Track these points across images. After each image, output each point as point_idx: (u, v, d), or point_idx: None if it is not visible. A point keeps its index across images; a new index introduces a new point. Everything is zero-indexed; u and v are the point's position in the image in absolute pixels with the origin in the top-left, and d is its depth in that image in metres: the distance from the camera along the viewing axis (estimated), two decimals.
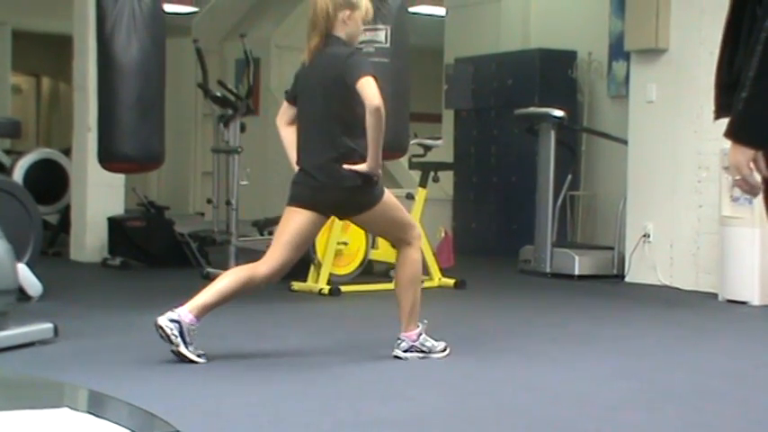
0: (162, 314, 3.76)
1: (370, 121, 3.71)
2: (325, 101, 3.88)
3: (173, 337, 3.72)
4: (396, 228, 3.96)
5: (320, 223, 3.95)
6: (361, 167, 3.79)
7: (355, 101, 3.77)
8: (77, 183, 7.67)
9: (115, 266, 7.18)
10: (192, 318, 3.75)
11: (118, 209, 7.59)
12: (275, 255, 3.86)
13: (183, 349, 3.73)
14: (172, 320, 3.73)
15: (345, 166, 3.81)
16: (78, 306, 5.36)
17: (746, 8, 2.02)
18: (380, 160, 3.81)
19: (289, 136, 4.04)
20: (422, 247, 4.03)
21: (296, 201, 3.92)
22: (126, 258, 7.20)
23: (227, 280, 3.86)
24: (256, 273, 3.86)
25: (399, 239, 3.97)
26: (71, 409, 1.56)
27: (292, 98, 4.05)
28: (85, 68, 7.25)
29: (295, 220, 3.88)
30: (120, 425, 1.45)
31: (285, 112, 4.07)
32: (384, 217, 3.92)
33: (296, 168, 3.99)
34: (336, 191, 3.85)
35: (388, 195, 3.95)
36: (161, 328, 3.73)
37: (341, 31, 3.92)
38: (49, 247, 8.02)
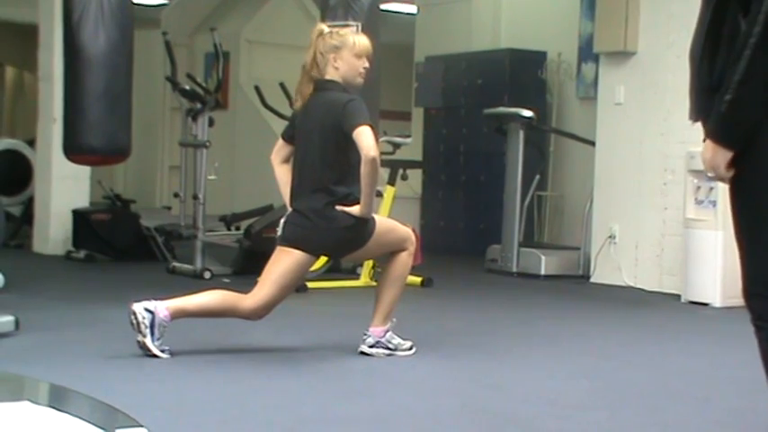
0: (138, 301, 3.74)
1: (365, 170, 3.73)
2: (322, 147, 3.89)
3: (142, 327, 3.70)
4: (392, 246, 3.99)
5: (309, 264, 3.95)
6: (354, 210, 3.83)
7: (351, 148, 3.79)
8: (42, 174, 7.59)
9: (79, 259, 7.11)
10: (166, 314, 3.73)
11: (83, 201, 7.52)
12: (261, 292, 3.87)
13: (148, 342, 3.71)
14: (147, 310, 3.71)
15: (338, 207, 3.84)
16: (40, 299, 5.31)
17: (728, 14, 2.06)
18: (373, 206, 3.86)
19: (283, 175, 4.05)
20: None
21: (287, 241, 3.91)
22: (90, 251, 7.14)
23: (211, 297, 3.86)
24: (241, 304, 3.86)
25: (397, 251, 4.01)
26: (32, 402, 1.54)
27: (288, 137, 4.06)
28: (51, 58, 7.17)
29: (284, 260, 3.88)
30: (81, 419, 1.43)
31: (280, 150, 4.08)
32: (379, 245, 3.96)
33: (289, 208, 3.99)
34: (330, 231, 3.86)
35: (380, 222, 3.96)
36: (134, 314, 3.71)
37: (334, 75, 3.93)
38: (12, 238, 7.92)
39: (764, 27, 1.96)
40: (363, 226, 3.87)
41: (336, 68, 3.93)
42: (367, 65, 4.00)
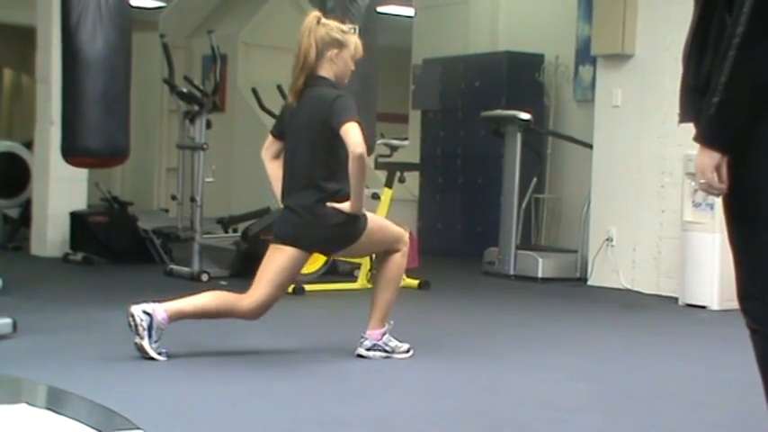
0: (137, 303, 3.74)
1: (352, 167, 3.71)
2: (311, 144, 3.88)
3: (140, 329, 3.70)
4: (384, 245, 3.99)
5: (303, 260, 3.93)
6: (344, 207, 3.82)
7: (340, 144, 3.77)
8: (39, 176, 7.58)
9: (77, 262, 7.11)
10: (164, 317, 3.74)
11: (80, 204, 7.52)
12: (258, 292, 3.86)
13: (146, 344, 3.71)
14: (145, 312, 3.71)
15: (329, 204, 3.83)
16: (38, 301, 5.31)
17: (715, 14, 2.05)
18: (363, 203, 3.84)
19: (274, 170, 4.04)
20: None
21: (279, 238, 3.91)
22: (88, 254, 7.14)
23: (209, 299, 3.86)
24: (238, 304, 3.86)
25: (389, 250, 4.00)
26: (29, 405, 1.54)
27: (278, 133, 4.05)
28: (49, 61, 7.17)
29: (278, 258, 3.87)
30: (79, 421, 1.44)
31: (270, 146, 4.07)
32: (371, 242, 3.95)
33: (281, 205, 3.99)
34: (321, 228, 3.86)
35: (372, 219, 3.96)
36: (132, 316, 3.71)
37: (328, 71, 3.91)
38: (9, 241, 7.93)
39: (747, 27, 1.95)
40: (354, 223, 3.87)
41: (333, 65, 3.91)
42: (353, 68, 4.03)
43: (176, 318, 3.78)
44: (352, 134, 3.71)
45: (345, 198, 3.83)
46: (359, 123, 3.76)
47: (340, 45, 3.91)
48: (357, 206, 3.82)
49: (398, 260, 3.99)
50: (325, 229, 3.86)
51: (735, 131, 2.02)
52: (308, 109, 3.89)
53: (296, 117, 3.94)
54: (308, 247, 3.92)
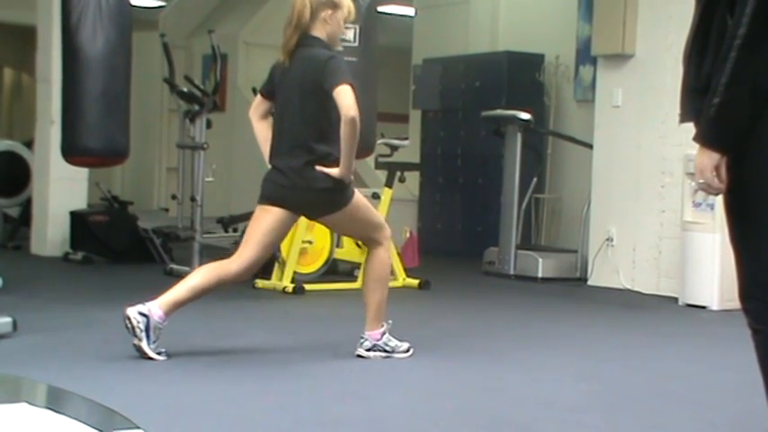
0: (132, 305, 3.74)
1: (344, 130, 3.69)
2: (302, 104, 3.86)
3: (137, 331, 3.70)
4: (366, 229, 3.96)
5: (290, 222, 3.94)
6: (333, 172, 3.79)
7: (332, 106, 3.74)
8: (40, 176, 7.58)
9: (77, 261, 7.11)
10: (161, 314, 3.73)
11: (81, 203, 7.52)
12: (246, 253, 3.85)
13: (144, 345, 3.71)
14: (141, 314, 3.71)
15: (317, 168, 3.80)
16: (38, 300, 5.31)
17: (716, 15, 2.06)
18: (352, 168, 3.82)
19: (263, 130, 4.01)
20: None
21: (266, 199, 3.89)
22: (88, 253, 7.14)
23: (198, 277, 3.85)
24: (227, 270, 3.85)
25: (369, 239, 3.98)
26: (30, 404, 1.54)
27: (267, 92, 4.02)
28: (49, 60, 7.17)
29: (265, 219, 3.86)
30: (79, 420, 1.43)
31: (259, 105, 4.04)
32: (354, 218, 3.92)
33: (269, 165, 3.96)
34: (307, 192, 3.83)
35: (359, 196, 3.94)
36: (129, 319, 3.71)
37: (321, 32, 3.89)
38: (10, 240, 7.94)
39: (749, 29, 1.96)
40: (342, 191, 3.84)
41: (327, 25, 3.89)
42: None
43: (174, 309, 3.77)
44: (345, 97, 3.68)
45: (335, 162, 3.79)
46: (352, 86, 3.73)
47: (334, 6, 3.89)
48: (346, 172, 3.78)
49: (382, 256, 3.96)
50: (313, 193, 3.83)
51: (735, 132, 2.03)
52: (301, 69, 3.85)
53: (287, 77, 3.91)
54: (294, 210, 3.90)
